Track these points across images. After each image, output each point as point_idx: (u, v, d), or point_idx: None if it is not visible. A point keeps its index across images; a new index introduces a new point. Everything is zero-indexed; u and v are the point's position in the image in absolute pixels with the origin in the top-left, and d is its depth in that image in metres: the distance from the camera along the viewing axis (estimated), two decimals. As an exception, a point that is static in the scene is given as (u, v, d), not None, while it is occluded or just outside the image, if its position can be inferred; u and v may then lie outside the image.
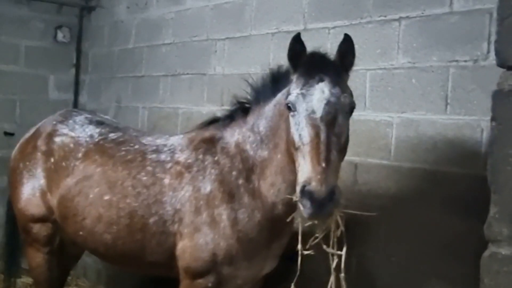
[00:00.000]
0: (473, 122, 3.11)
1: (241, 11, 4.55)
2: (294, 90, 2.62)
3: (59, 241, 3.83)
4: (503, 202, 2.10)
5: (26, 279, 5.76)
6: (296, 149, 2.53)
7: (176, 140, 3.39)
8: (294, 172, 2.60)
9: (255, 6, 4.45)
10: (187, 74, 5.11)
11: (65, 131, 3.74)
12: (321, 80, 2.56)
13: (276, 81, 2.99)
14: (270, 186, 2.93)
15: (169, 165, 3.25)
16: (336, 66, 2.67)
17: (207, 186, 3.07)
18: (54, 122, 3.85)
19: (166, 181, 3.21)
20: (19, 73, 6.10)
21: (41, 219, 3.74)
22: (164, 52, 5.40)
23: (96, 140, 3.60)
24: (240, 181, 3.03)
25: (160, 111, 5.40)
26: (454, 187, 3.17)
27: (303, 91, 2.56)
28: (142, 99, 5.65)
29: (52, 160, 3.69)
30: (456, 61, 3.19)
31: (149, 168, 3.30)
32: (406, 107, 3.43)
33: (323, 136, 2.43)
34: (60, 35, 6.36)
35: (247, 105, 3.16)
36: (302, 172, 2.42)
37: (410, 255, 3.35)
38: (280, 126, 2.84)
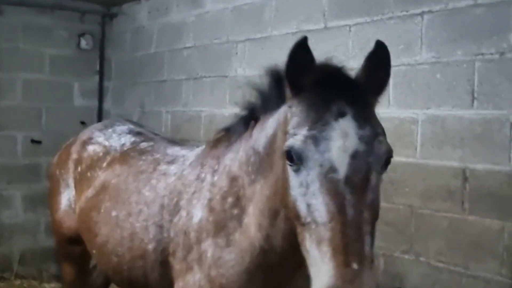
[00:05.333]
0: (502, 116, 3.03)
1: (261, 12, 4.53)
2: (297, 128, 1.80)
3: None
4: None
5: (55, 285, 5.86)
6: (303, 225, 1.73)
7: (194, 151, 2.85)
8: (288, 220, 1.95)
9: (274, 6, 4.43)
10: (209, 77, 5.12)
11: (100, 139, 3.40)
12: (342, 115, 1.76)
13: (281, 84, 2.08)
14: (257, 227, 2.19)
15: (171, 179, 2.72)
16: (363, 90, 1.89)
17: (198, 213, 2.43)
18: (93, 130, 3.56)
19: (166, 200, 2.65)
20: (44, 81, 6.20)
21: (75, 234, 3.34)
22: (186, 55, 5.42)
23: (125, 149, 3.22)
24: (235, 212, 2.30)
25: (183, 114, 5.42)
26: (483, 184, 3.09)
27: (314, 132, 1.74)
28: (165, 103, 5.67)
29: (79, 169, 3.37)
30: (482, 54, 3.11)
31: (154, 181, 2.81)
32: (431, 103, 3.36)
33: (351, 212, 1.65)
34: (83, 43, 6.44)
35: (256, 113, 2.37)
36: (320, 275, 1.60)
37: (440, 255, 3.28)
38: (275, 161, 2.05)
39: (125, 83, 6.33)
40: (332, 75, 1.90)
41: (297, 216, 1.77)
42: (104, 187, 3.08)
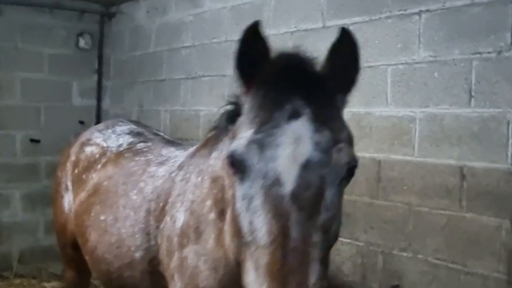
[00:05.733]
0: (499, 114, 3.05)
1: (259, 11, 4.54)
2: (243, 131, 1.55)
3: None
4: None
5: (55, 284, 5.86)
6: (245, 244, 1.50)
7: (186, 151, 2.66)
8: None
9: (273, 6, 4.44)
10: (208, 76, 5.13)
11: (99, 140, 3.26)
12: (296, 115, 1.49)
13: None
14: (231, 236, 1.84)
15: (159, 182, 2.51)
16: (326, 86, 1.60)
17: (181, 217, 2.23)
18: (93, 131, 3.43)
19: (152, 205, 2.44)
20: (43, 80, 6.20)
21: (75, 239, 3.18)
22: (184, 55, 5.43)
23: (121, 150, 3.06)
24: (211, 216, 2.07)
25: (182, 113, 5.43)
26: (480, 182, 3.11)
27: (260, 136, 1.48)
28: (163, 103, 5.68)
29: (76, 171, 3.23)
30: (479, 53, 3.13)
31: (142, 184, 2.60)
32: (429, 101, 3.38)
33: (296, 235, 1.39)
34: (82, 42, 6.44)
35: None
36: None
37: (438, 252, 3.30)
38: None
39: (124, 82, 6.34)
40: (290, 68, 1.59)
41: (240, 233, 1.53)
42: (95, 190, 2.91)
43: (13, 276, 5.89)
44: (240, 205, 1.54)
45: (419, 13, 3.42)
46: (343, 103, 1.68)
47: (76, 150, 3.35)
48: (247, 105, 1.63)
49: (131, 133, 3.24)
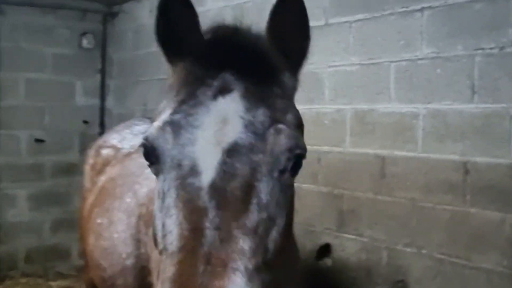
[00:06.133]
0: (502, 110, 3.06)
1: (262, 10, 4.54)
2: (162, 112, 1.32)
3: None
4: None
5: (60, 282, 5.90)
6: (160, 252, 1.19)
7: None
8: None
9: (275, 4, 4.45)
10: (211, 74, 5.14)
11: (114, 141, 3.11)
12: (225, 91, 1.23)
13: None
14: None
15: (153, 184, 2.10)
16: (265, 59, 1.33)
17: None
18: (111, 132, 3.29)
19: (143, 209, 2.20)
20: (46, 80, 6.24)
21: None
22: (187, 53, 5.44)
23: (131, 150, 2.89)
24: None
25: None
26: (484, 177, 3.13)
27: (178, 117, 1.22)
28: (167, 101, 5.70)
29: (93, 174, 3.11)
30: (482, 49, 3.14)
31: (137, 186, 2.39)
32: (432, 97, 3.39)
33: (213, 240, 1.07)
34: (85, 42, 6.47)
35: None
36: None
37: (442, 247, 3.32)
38: None
39: (127, 81, 6.37)
40: (221, 40, 1.33)
41: (154, 239, 1.24)
42: (99, 192, 2.77)
43: (19, 275, 5.94)
44: (156, 205, 1.24)
45: (421, 9, 3.44)
46: (293, 82, 1.38)
47: (93, 153, 3.25)
48: (170, 84, 1.38)
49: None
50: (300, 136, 1.27)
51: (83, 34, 6.45)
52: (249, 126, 1.17)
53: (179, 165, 1.16)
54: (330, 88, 3.98)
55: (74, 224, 6.29)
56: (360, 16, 3.79)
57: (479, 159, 3.15)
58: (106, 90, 6.64)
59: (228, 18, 4.81)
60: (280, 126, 1.20)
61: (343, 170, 3.81)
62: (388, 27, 3.61)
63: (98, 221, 2.54)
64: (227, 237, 1.07)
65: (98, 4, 6.46)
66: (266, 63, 1.31)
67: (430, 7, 3.39)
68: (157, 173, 1.25)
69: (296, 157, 1.22)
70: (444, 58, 3.33)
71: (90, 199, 2.92)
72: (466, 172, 3.21)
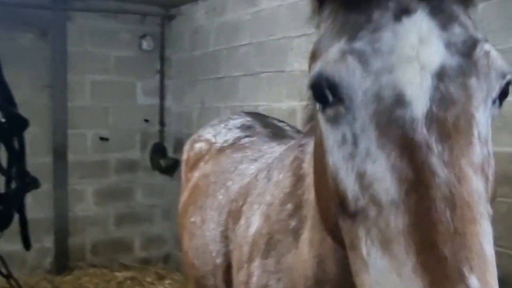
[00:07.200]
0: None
1: (316, 8, 4.64)
2: (329, 42, 1.08)
3: None
4: None
5: (125, 273, 6.19)
6: (352, 216, 0.99)
7: (284, 147, 2.18)
8: (335, 227, 1.13)
9: (329, 1, 4.52)
10: (266, 72, 5.28)
11: (209, 136, 2.99)
12: (407, 11, 1.02)
13: None
14: (309, 246, 1.49)
15: (246, 180, 2.17)
16: None
17: (255, 222, 1.83)
18: (207, 126, 3.18)
19: (233, 205, 2.14)
20: (110, 81, 6.53)
21: None
22: (242, 52, 5.60)
23: (224, 145, 2.76)
24: (292, 223, 1.60)
25: (241, 109, 5.60)
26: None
27: (359, 43, 1.01)
28: (223, 99, 5.89)
29: (186, 169, 3.04)
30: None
31: (229, 183, 2.33)
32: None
33: (445, 180, 0.89)
34: (144, 44, 6.71)
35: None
36: None
37: (499, 239, 3.29)
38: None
39: (185, 81, 6.60)
40: None
41: (341, 200, 1.01)
42: (193, 189, 2.72)
43: (87, 266, 6.28)
44: (336, 156, 1.02)
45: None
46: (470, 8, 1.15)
47: (188, 148, 3.16)
48: (324, 23, 1.15)
49: (241, 127, 2.87)
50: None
51: (143, 36, 6.68)
52: (452, 46, 1.00)
53: (378, 97, 0.97)
54: None
55: (136, 218, 6.62)
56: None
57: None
58: (165, 89, 6.86)
59: (283, 17, 4.93)
60: (487, 46, 1.06)
61: None
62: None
63: (192, 219, 2.49)
64: (462, 175, 0.90)
65: (157, 8, 6.69)
66: None
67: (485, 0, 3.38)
68: (337, 115, 1.03)
69: (507, 84, 1.07)
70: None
71: (184, 195, 2.89)
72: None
